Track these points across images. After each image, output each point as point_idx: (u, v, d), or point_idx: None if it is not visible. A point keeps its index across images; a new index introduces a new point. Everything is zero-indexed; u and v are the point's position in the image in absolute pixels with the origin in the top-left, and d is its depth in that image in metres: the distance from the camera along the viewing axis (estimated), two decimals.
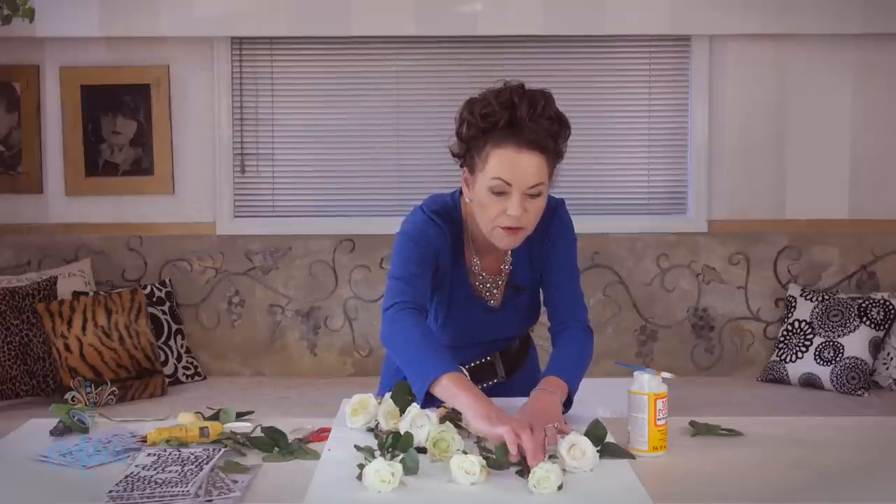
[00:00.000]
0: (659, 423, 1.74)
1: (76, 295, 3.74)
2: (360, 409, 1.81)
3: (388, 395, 1.84)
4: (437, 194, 2.05)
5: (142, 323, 3.73)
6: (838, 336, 3.77)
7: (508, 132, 1.81)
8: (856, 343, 3.73)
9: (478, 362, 2.10)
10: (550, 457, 1.59)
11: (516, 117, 1.81)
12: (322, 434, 1.84)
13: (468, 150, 1.88)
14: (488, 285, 2.04)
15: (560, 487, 1.49)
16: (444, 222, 1.97)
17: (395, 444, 1.63)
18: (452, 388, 1.71)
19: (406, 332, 1.83)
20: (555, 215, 2.03)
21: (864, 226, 4.08)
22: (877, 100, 4.05)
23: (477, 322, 2.05)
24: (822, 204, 4.08)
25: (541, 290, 2.10)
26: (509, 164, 1.81)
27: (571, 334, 2.00)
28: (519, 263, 2.05)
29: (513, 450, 1.57)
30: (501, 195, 1.83)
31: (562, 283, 2.04)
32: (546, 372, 1.92)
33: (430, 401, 1.76)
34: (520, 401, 1.87)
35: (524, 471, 1.54)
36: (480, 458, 1.55)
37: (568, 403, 1.91)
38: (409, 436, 1.63)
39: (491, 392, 2.01)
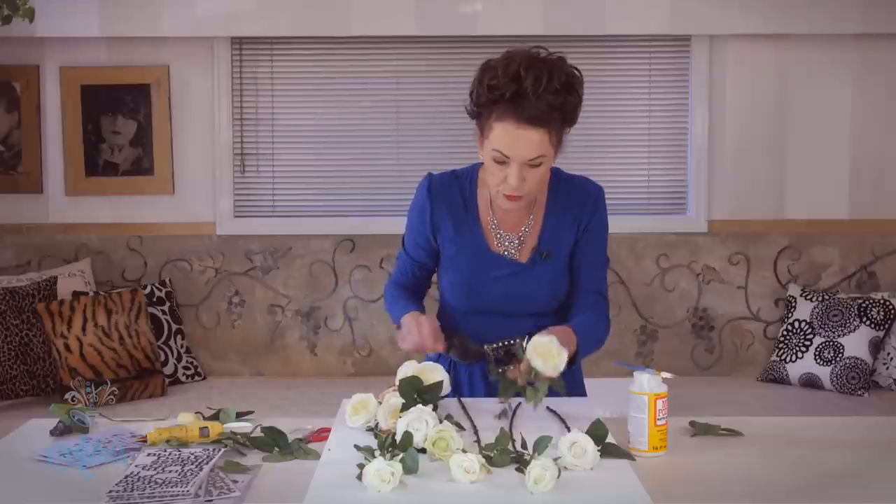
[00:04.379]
0: (659, 423, 1.74)
1: (76, 295, 3.74)
2: (360, 409, 1.81)
3: (387, 394, 1.84)
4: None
5: (142, 323, 3.73)
6: (838, 336, 3.77)
7: (511, 106, 1.87)
8: (856, 343, 3.73)
9: (505, 343, 1.97)
10: (541, 448, 1.58)
11: (521, 90, 1.86)
12: (322, 434, 1.84)
13: (479, 114, 1.95)
14: (507, 244, 2.07)
15: (559, 475, 1.50)
16: (444, 187, 2.08)
17: (395, 443, 1.63)
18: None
19: (387, 299, 2.19)
20: (589, 199, 2.07)
21: (864, 226, 4.08)
22: (877, 100, 4.05)
23: (501, 279, 2.05)
24: (822, 204, 4.08)
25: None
26: (508, 138, 1.88)
27: (596, 314, 2.09)
28: (549, 229, 2.07)
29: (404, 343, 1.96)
30: (502, 164, 1.91)
31: (589, 270, 2.10)
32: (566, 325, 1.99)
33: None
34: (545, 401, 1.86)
35: (520, 465, 1.54)
36: (480, 456, 1.55)
37: (571, 362, 1.93)
38: (408, 435, 1.63)
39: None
